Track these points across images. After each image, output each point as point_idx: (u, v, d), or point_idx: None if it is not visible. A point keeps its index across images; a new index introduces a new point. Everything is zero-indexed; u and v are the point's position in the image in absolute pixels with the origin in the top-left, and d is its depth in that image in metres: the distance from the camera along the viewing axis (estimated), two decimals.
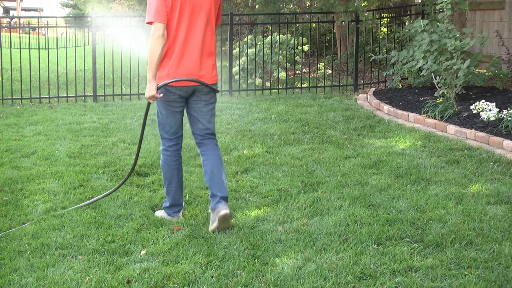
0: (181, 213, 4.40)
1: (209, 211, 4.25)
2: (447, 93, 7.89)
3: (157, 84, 4.05)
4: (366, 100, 9.46)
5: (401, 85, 9.98)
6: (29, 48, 9.97)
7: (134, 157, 6.07)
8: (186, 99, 4.19)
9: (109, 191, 4.76)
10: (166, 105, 4.17)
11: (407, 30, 9.95)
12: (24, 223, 4.32)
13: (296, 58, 11.76)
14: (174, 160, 4.29)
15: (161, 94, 4.07)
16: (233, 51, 10.82)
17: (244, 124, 7.64)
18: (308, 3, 16.22)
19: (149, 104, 4.28)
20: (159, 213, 4.44)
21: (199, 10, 4.07)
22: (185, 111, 4.32)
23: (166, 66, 4.06)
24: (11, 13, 50.39)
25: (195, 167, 5.68)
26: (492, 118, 6.87)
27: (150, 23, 3.98)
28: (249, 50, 11.02)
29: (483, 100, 7.38)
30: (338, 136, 6.90)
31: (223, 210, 4.04)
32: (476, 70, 9.20)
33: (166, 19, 3.98)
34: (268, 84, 10.97)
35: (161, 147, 4.33)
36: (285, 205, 4.65)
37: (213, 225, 4.09)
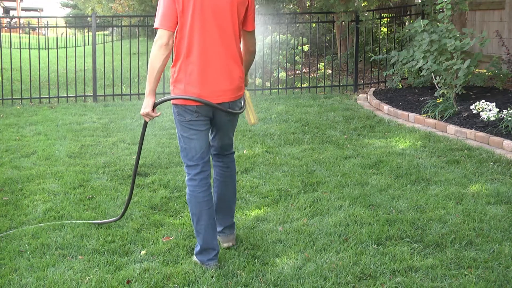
0: (216, 260, 3.60)
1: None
2: (447, 93, 7.89)
3: (156, 101, 3.50)
4: (366, 100, 9.46)
5: (401, 85, 9.98)
6: (29, 48, 9.98)
7: (133, 157, 6.07)
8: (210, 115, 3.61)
9: (115, 218, 4.30)
10: (188, 126, 3.53)
11: (407, 30, 9.96)
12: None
13: (296, 58, 11.76)
14: (202, 190, 3.57)
15: (159, 113, 3.54)
16: None
17: (244, 124, 7.64)
18: (308, 3, 16.22)
19: (145, 123, 3.70)
20: (194, 259, 3.72)
21: (218, 13, 3.45)
22: None
23: (182, 81, 3.47)
24: (11, 13, 50.40)
25: None
26: (492, 118, 6.87)
27: (157, 28, 3.42)
28: None
29: (483, 100, 7.38)
30: (338, 136, 6.90)
31: (226, 243, 3.86)
32: (476, 70, 9.21)
33: (173, 26, 3.40)
34: (268, 84, 10.97)
35: (186, 178, 3.64)
36: (285, 205, 4.65)
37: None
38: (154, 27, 3.44)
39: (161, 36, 3.37)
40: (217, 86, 3.48)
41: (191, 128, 3.54)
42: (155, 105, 3.46)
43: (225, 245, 3.85)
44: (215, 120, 3.63)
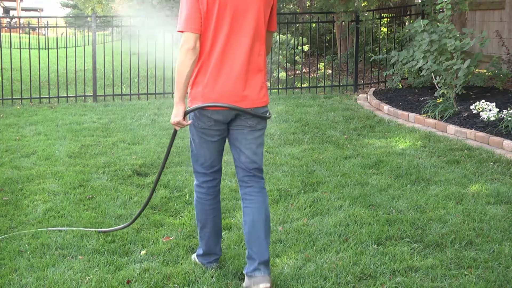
0: (217, 262, 3.57)
1: (244, 272, 3.37)
2: (447, 93, 7.90)
3: (187, 108, 3.26)
4: (366, 100, 9.46)
5: (401, 85, 9.98)
6: (29, 48, 9.97)
7: (133, 157, 6.07)
8: (226, 124, 3.33)
9: (125, 224, 4.07)
10: (200, 133, 3.34)
11: (407, 30, 9.96)
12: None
13: (296, 58, 11.76)
14: (209, 199, 3.46)
15: (190, 121, 3.30)
16: None
17: None
18: (308, 3, 16.22)
19: (175, 131, 3.44)
20: (193, 258, 3.67)
21: (243, 14, 3.22)
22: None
23: (200, 84, 3.24)
24: (11, 13, 50.41)
25: None
26: (492, 118, 6.87)
27: (181, 31, 3.19)
28: None
29: (483, 100, 7.38)
30: (338, 136, 6.90)
31: (262, 283, 3.23)
32: (476, 70, 9.21)
33: (199, 28, 3.17)
34: (268, 84, 10.97)
35: (194, 183, 3.52)
36: (285, 205, 4.65)
37: None
38: (178, 30, 3.20)
39: (187, 40, 3.15)
40: (236, 90, 3.23)
41: (202, 136, 3.34)
42: (185, 113, 3.24)
43: (262, 286, 3.24)
44: (233, 131, 3.35)
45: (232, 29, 3.21)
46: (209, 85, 3.22)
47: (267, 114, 3.35)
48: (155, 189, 3.81)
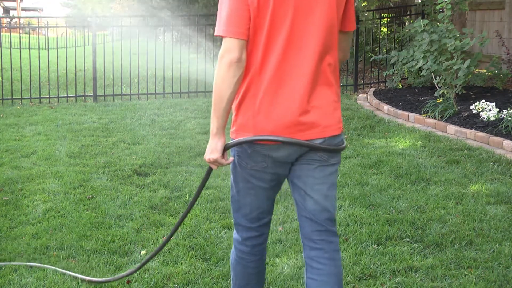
0: None
1: None
2: (447, 93, 7.90)
3: (228, 141, 2.43)
4: (366, 100, 9.46)
5: (401, 85, 9.98)
6: (29, 48, 9.98)
7: (133, 157, 6.07)
8: (290, 163, 2.47)
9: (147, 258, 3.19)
10: (247, 175, 2.47)
11: (407, 30, 9.96)
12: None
13: None
14: (253, 260, 2.59)
15: (231, 159, 2.45)
16: None
17: None
18: None
19: (209, 170, 2.56)
20: None
21: (309, 10, 2.32)
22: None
23: (249, 109, 2.36)
24: (11, 13, 50.42)
25: (195, 167, 5.68)
26: (492, 118, 6.87)
27: (221, 36, 2.30)
28: None
29: (483, 100, 7.38)
30: None
31: None
32: (476, 70, 9.21)
33: (246, 32, 2.29)
34: None
35: (234, 236, 2.64)
36: (285, 205, 4.65)
37: None
38: (216, 34, 2.33)
39: (230, 49, 2.26)
40: (301, 117, 2.35)
41: (250, 180, 2.47)
42: (226, 148, 2.39)
43: None
44: (296, 168, 2.47)
45: (294, 32, 2.32)
46: (263, 111, 2.34)
47: (342, 144, 2.52)
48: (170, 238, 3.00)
